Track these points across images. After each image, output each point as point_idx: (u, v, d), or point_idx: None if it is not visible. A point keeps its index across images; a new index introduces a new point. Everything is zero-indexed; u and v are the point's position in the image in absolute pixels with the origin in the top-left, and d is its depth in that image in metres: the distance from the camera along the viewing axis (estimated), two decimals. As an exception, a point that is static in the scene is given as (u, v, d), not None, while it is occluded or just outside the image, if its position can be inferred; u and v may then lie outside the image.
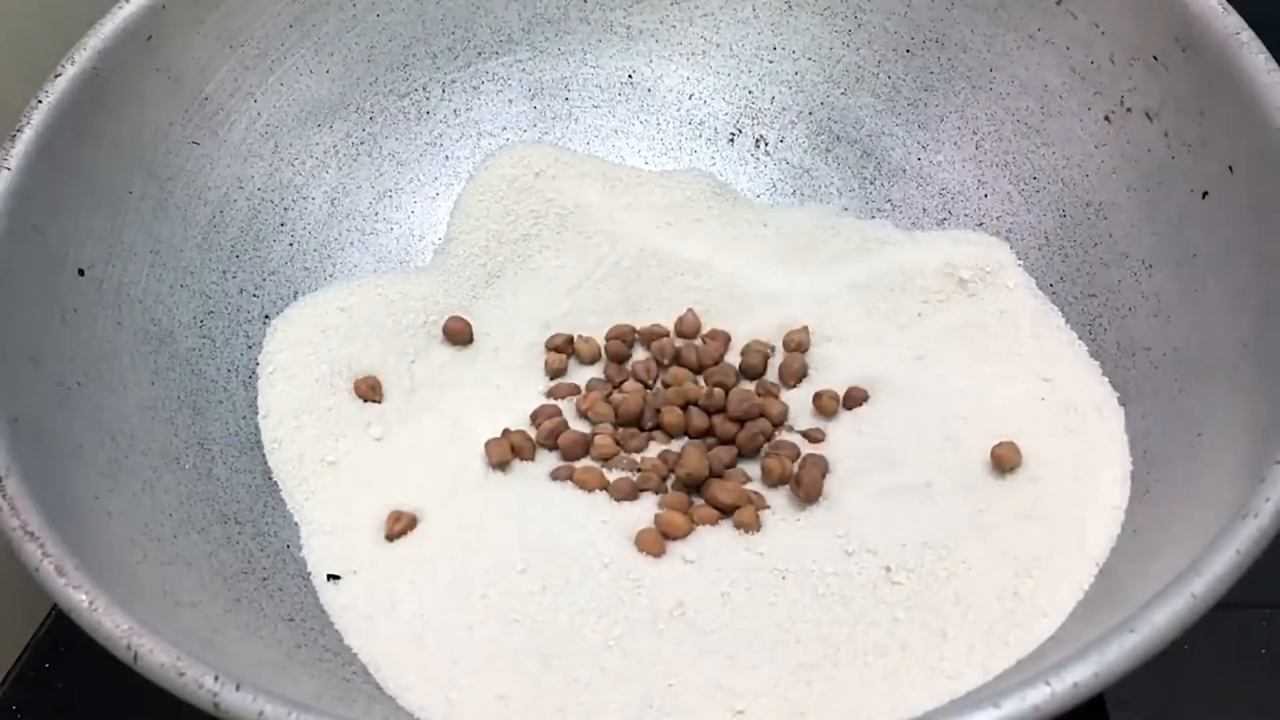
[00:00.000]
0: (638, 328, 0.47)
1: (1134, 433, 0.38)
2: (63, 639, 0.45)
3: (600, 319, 0.47)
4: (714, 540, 0.39)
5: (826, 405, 0.43)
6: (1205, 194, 0.38)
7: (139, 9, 0.42)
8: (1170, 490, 0.35)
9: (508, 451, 0.42)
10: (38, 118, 0.39)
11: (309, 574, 0.39)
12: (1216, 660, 0.42)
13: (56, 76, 0.40)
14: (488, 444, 0.42)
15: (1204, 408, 0.36)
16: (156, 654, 0.28)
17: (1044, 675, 0.26)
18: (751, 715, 0.34)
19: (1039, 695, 0.26)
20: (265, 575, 0.38)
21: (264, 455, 0.42)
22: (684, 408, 0.44)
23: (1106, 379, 0.40)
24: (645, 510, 0.41)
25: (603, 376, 0.46)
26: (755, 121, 0.51)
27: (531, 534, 0.40)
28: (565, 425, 0.44)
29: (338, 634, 0.37)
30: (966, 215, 0.46)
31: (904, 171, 0.48)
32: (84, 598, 0.29)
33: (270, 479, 0.42)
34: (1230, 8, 0.38)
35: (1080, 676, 0.26)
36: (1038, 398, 0.41)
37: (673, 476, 0.42)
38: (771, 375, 0.45)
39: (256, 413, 0.43)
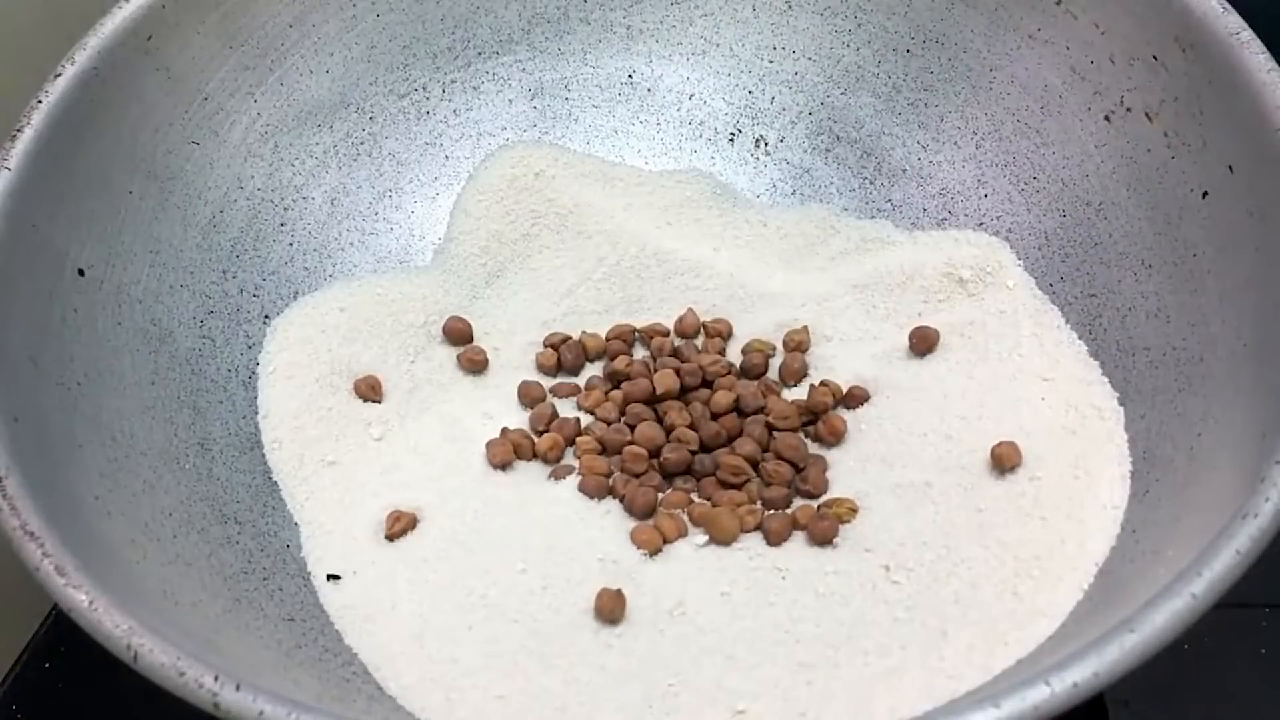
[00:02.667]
0: (638, 327, 0.47)
1: (1134, 432, 0.38)
2: (63, 639, 0.45)
3: (600, 319, 0.47)
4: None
5: (819, 401, 0.43)
6: (1205, 193, 0.38)
7: (139, 9, 0.42)
8: (1170, 490, 0.35)
9: (509, 451, 0.42)
10: (37, 118, 0.39)
11: (309, 574, 0.39)
12: (1216, 660, 0.42)
13: (56, 76, 0.40)
14: (489, 444, 0.42)
15: (1204, 407, 0.36)
16: (156, 654, 0.28)
17: (1044, 675, 0.26)
18: (751, 715, 0.34)
19: (1039, 695, 0.26)
20: (265, 575, 0.38)
21: (264, 455, 0.42)
22: (682, 391, 0.44)
23: (1106, 379, 0.40)
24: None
25: (602, 375, 0.46)
26: (755, 121, 0.51)
27: (532, 534, 0.40)
28: (560, 445, 0.43)
29: (338, 634, 0.37)
30: (966, 215, 0.46)
31: (904, 171, 0.48)
32: (84, 597, 0.29)
33: (270, 479, 0.42)
34: (1230, 7, 0.38)
35: (1080, 676, 0.26)
36: (1038, 397, 0.41)
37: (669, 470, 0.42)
38: (772, 375, 0.45)
39: (256, 413, 0.43)
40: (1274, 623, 0.43)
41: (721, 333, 0.46)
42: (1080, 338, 0.42)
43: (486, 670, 0.35)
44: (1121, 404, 0.39)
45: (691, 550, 0.39)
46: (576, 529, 0.40)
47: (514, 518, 0.40)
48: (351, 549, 0.40)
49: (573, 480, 0.42)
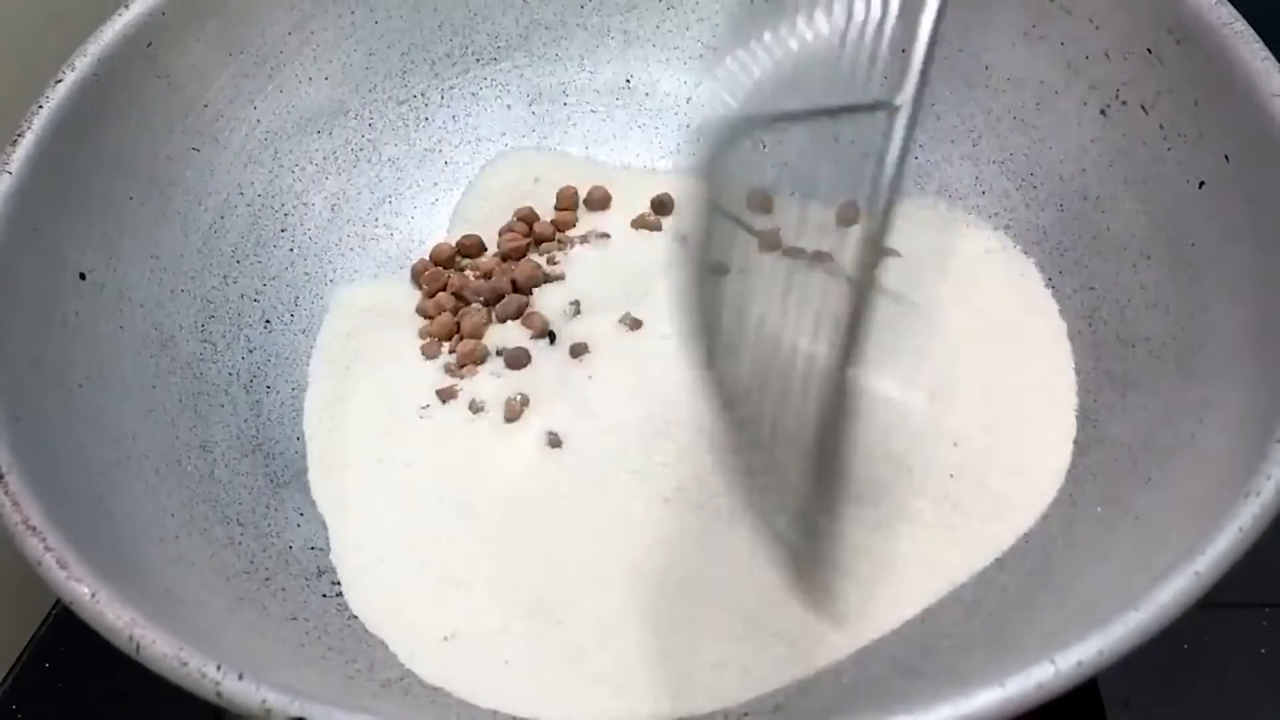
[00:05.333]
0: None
1: (1135, 421, 0.38)
2: (63, 639, 0.45)
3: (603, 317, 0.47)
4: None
5: None
6: (1202, 184, 0.38)
7: (139, 16, 0.42)
8: (1173, 477, 0.35)
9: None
10: (38, 123, 0.39)
11: (316, 572, 0.39)
12: (1216, 660, 0.42)
13: (57, 82, 0.40)
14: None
15: (1205, 395, 0.36)
16: (159, 644, 0.28)
17: (1049, 654, 0.26)
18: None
19: (1044, 673, 0.26)
20: (268, 575, 0.38)
21: (265, 458, 0.42)
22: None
23: (1069, 343, 0.42)
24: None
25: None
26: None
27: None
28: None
29: (340, 632, 0.37)
30: (964, 212, 0.47)
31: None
32: (86, 590, 0.29)
33: (271, 481, 0.42)
34: (1223, -1, 0.38)
35: (1085, 655, 0.26)
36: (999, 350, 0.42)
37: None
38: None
39: (258, 415, 0.43)
40: (1274, 623, 0.43)
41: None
42: (1080, 330, 0.42)
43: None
44: (1122, 393, 0.39)
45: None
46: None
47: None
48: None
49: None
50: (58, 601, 0.45)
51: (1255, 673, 0.42)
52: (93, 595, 0.29)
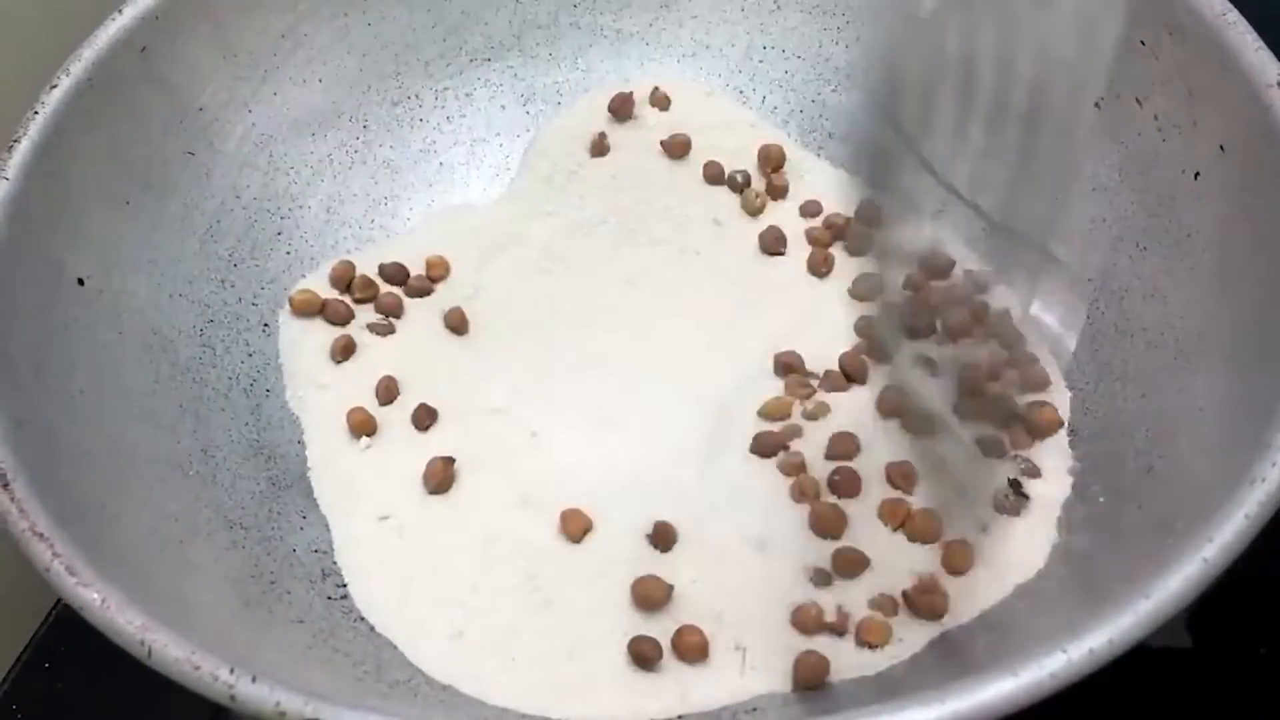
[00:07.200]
0: None
1: (1135, 411, 0.38)
2: (63, 639, 0.45)
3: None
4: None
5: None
6: (1197, 174, 0.38)
7: (133, 20, 0.42)
8: (1175, 466, 0.35)
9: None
10: (34, 128, 0.39)
11: (321, 575, 0.39)
12: (1216, 660, 0.42)
13: (52, 88, 0.40)
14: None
15: (1205, 383, 0.36)
16: (170, 648, 0.28)
17: (1060, 643, 0.26)
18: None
19: (1056, 663, 0.26)
20: (273, 579, 0.38)
21: (266, 461, 0.42)
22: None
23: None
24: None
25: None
26: (747, 122, 0.51)
27: None
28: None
29: (347, 634, 0.37)
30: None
31: (897, 168, 0.49)
32: (96, 596, 0.29)
33: (274, 484, 0.41)
34: (1216, -11, 0.38)
35: (1096, 643, 0.26)
36: None
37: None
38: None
39: (258, 419, 0.43)
40: (1274, 623, 0.43)
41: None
42: (1080, 322, 0.42)
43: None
44: (1121, 383, 0.40)
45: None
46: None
47: None
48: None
49: None
50: (58, 601, 0.45)
51: (1255, 673, 0.42)
52: (103, 601, 0.29)
